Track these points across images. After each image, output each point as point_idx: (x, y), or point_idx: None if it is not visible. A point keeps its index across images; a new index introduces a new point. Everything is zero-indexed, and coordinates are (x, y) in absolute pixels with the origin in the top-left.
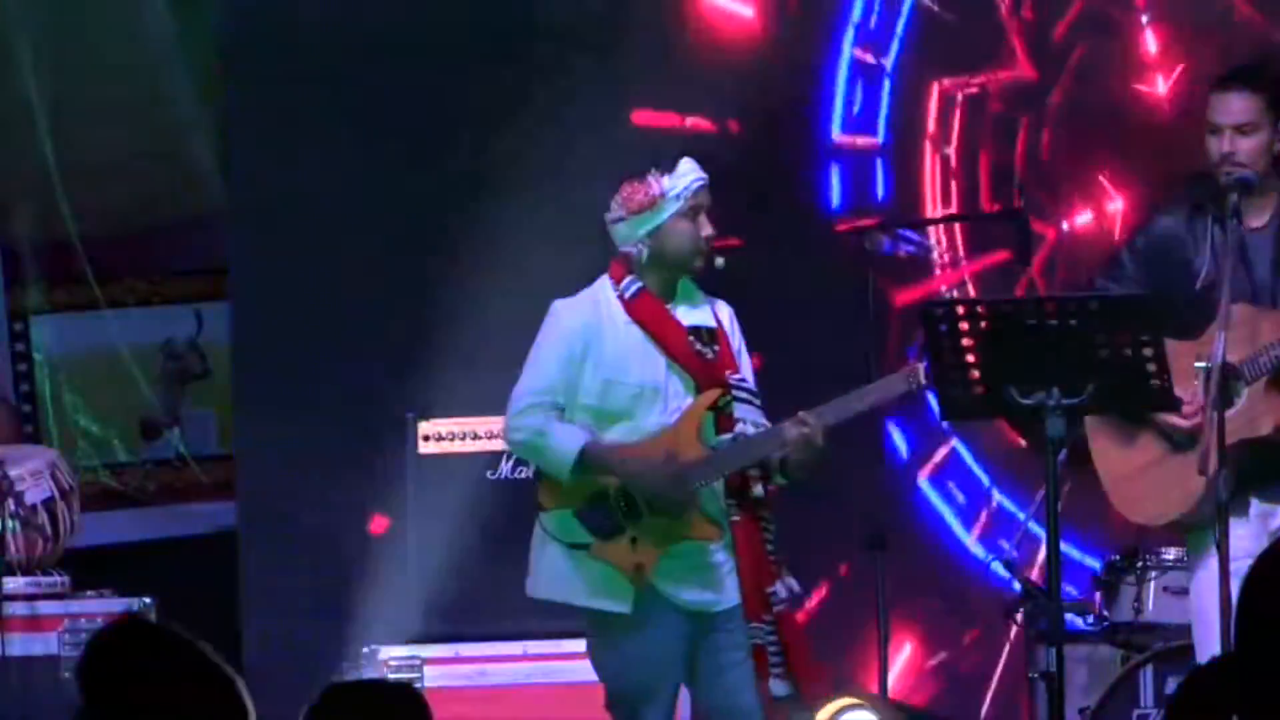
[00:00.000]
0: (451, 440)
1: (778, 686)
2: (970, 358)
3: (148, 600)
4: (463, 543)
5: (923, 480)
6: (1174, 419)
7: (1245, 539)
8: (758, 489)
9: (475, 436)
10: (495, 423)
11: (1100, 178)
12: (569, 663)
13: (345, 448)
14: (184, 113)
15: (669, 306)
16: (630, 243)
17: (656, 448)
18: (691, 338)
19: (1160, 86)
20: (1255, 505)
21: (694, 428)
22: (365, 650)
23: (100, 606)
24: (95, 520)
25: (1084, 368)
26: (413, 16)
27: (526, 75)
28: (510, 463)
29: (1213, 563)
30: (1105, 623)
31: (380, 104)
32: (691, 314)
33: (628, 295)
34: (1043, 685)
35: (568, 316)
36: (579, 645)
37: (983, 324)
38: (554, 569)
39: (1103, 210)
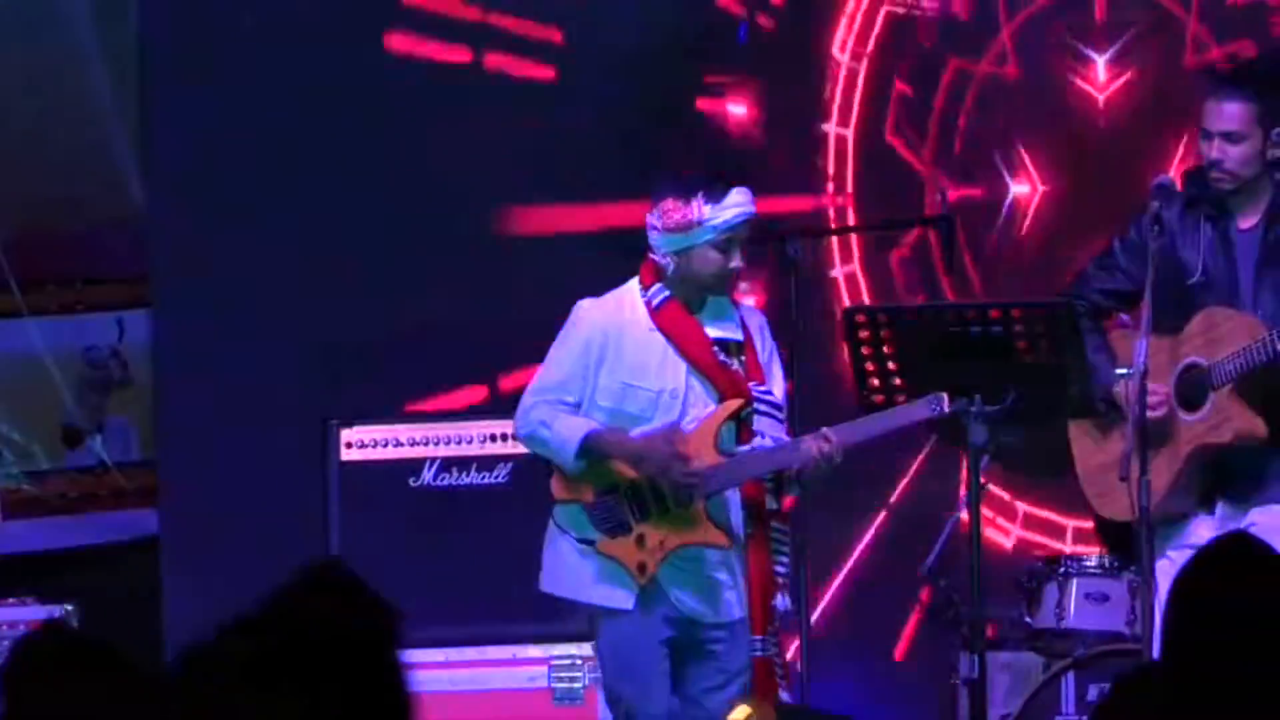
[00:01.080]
0: (374, 447)
1: (786, 696)
2: (892, 365)
3: (69, 607)
4: (385, 549)
5: None
6: (1152, 415)
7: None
8: (770, 501)
9: (397, 444)
10: (416, 430)
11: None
12: (490, 670)
13: (267, 455)
14: (105, 118)
15: (696, 317)
16: (661, 253)
17: (672, 446)
18: (716, 348)
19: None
20: (1221, 508)
21: (711, 435)
22: None
23: (21, 614)
24: (17, 528)
25: (1005, 375)
26: (337, 14)
27: (457, 74)
28: (432, 470)
29: (1177, 556)
30: (1028, 629)
31: (305, 107)
32: (718, 326)
33: (654, 303)
34: (965, 691)
35: (588, 317)
36: (502, 652)
37: (903, 329)
38: (562, 563)
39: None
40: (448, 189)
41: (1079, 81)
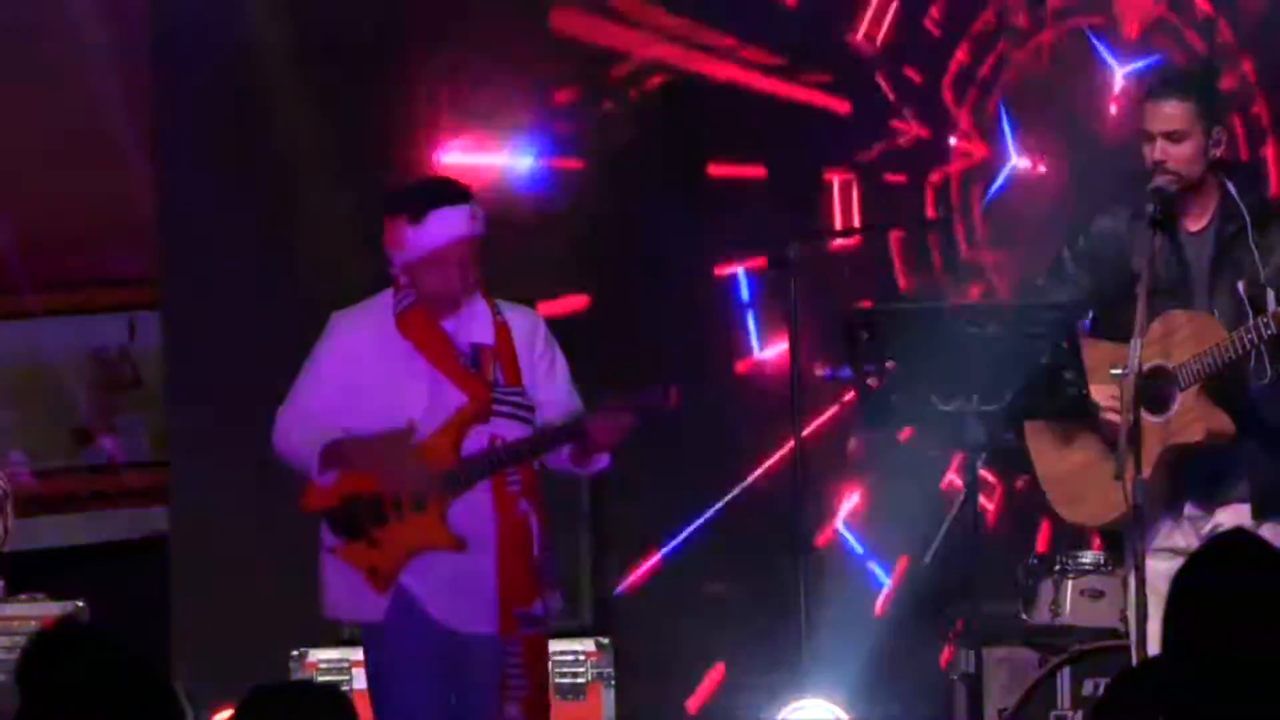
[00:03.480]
0: None
1: (511, 711)
2: (891, 364)
3: (80, 603)
4: None
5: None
6: (1109, 417)
7: (1180, 542)
8: (522, 505)
9: None
10: None
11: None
12: None
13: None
14: (117, 124)
15: (444, 322)
16: (393, 269)
17: (407, 450)
18: (460, 353)
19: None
20: (1189, 508)
21: (449, 439)
22: (294, 653)
23: (34, 610)
24: (28, 526)
25: (1002, 375)
26: (341, 30)
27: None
28: None
29: (1150, 561)
30: (1024, 625)
31: (310, 115)
32: (469, 330)
33: (400, 309)
34: (964, 686)
35: (336, 328)
36: None
37: (903, 331)
38: (322, 582)
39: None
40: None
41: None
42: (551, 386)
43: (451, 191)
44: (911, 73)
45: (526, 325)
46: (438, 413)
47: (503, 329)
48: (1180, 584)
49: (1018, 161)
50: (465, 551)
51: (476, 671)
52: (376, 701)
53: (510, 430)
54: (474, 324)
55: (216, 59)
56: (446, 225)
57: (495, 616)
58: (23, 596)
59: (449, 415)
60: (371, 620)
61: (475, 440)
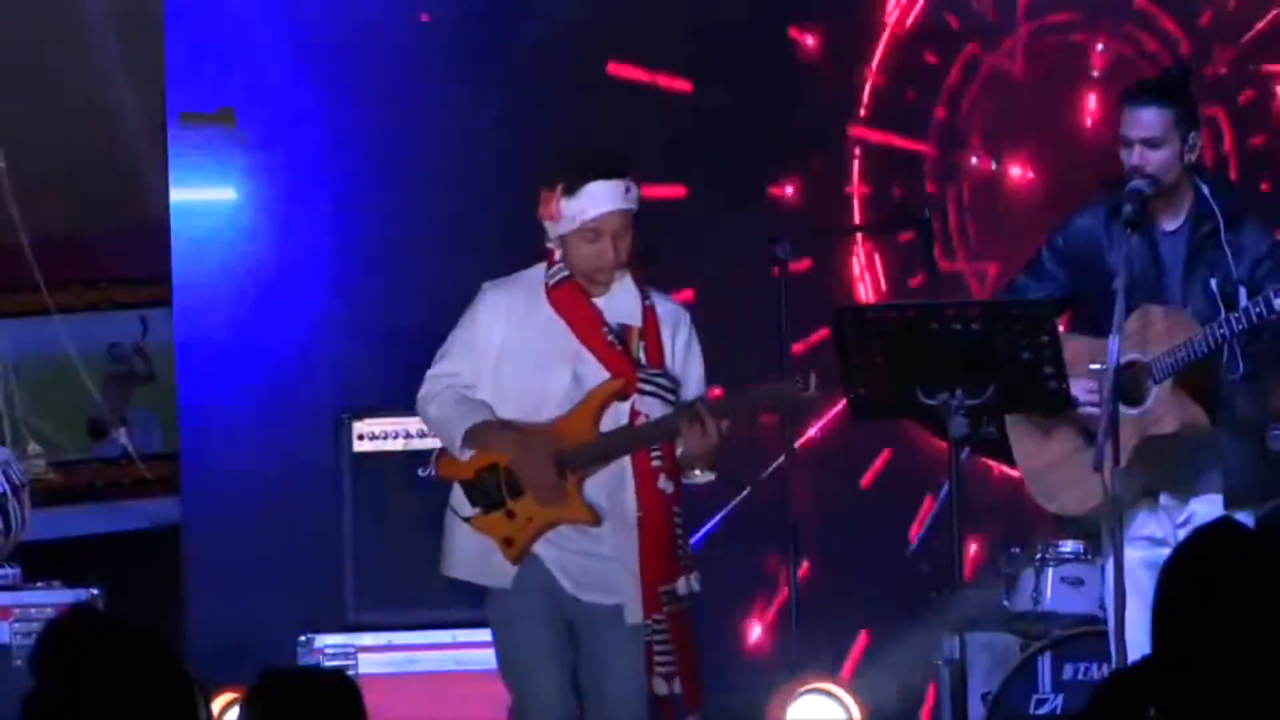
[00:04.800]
0: (384, 439)
1: (660, 686)
2: (878, 360)
3: (95, 591)
4: (395, 537)
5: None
6: (1088, 411)
7: (1155, 531)
8: (663, 482)
9: (407, 435)
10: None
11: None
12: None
13: (283, 446)
14: (130, 125)
15: (594, 299)
16: (548, 239)
17: (546, 430)
18: (607, 329)
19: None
20: (1164, 499)
21: (588, 415)
22: (302, 639)
23: (50, 597)
24: (45, 516)
25: (985, 370)
26: (350, 34)
27: (463, 86)
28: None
29: (1126, 550)
30: (1006, 612)
31: (319, 114)
32: (617, 311)
33: (551, 282)
34: (947, 671)
35: (488, 299)
36: None
37: (889, 327)
38: (452, 545)
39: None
40: (460, 187)
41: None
42: (687, 379)
43: (607, 164)
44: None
45: (672, 312)
46: (580, 387)
47: (649, 312)
48: (1167, 577)
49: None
50: (600, 526)
51: (600, 643)
52: (506, 663)
53: (653, 409)
54: (623, 304)
55: (228, 60)
56: (601, 198)
57: (636, 592)
58: (39, 584)
59: (591, 390)
60: (500, 585)
61: (616, 417)
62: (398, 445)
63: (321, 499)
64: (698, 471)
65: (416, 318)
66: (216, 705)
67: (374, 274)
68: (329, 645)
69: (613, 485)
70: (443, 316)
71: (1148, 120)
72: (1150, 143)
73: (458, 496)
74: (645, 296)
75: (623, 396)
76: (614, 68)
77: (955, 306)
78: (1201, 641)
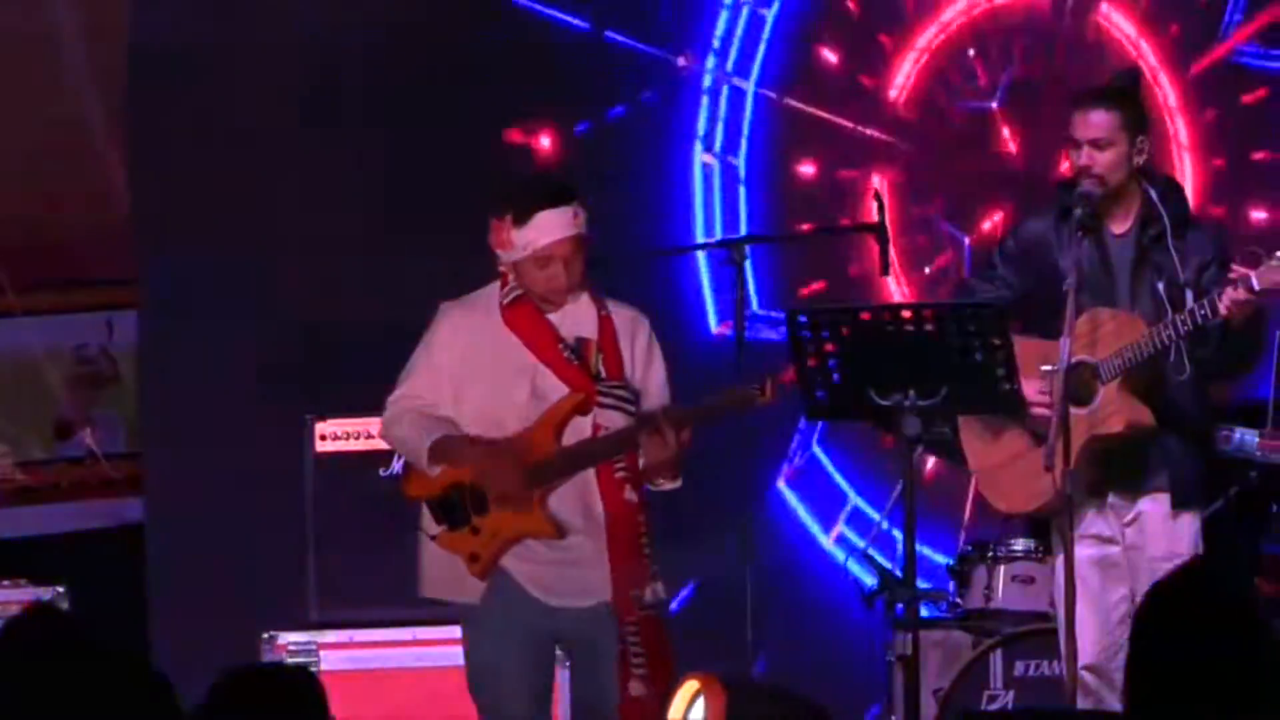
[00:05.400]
0: (346, 440)
1: (636, 687)
2: (832, 361)
3: (59, 589)
4: (356, 536)
5: (781, 484)
6: (1038, 411)
7: (1104, 530)
8: (629, 493)
9: (368, 436)
10: None
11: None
12: (457, 647)
13: (246, 447)
14: (96, 134)
15: (549, 315)
16: (502, 264)
17: (510, 444)
18: (562, 345)
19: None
20: (1112, 497)
21: (549, 430)
22: (264, 636)
23: (13, 595)
24: (10, 515)
25: (938, 371)
26: (313, 40)
27: (425, 90)
28: (400, 461)
29: (1075, 548)
30: (958, 609)
31: (282, 118)
32: (573, 325)
33: (506, 301)
34: (900, 667)
35: (446, 319)
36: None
37: (843, 330)
38: (423, 563)
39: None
40: (423, 191)
41: None
42: (648, 385)
43: (555, 192)
44: (865, 79)
45: (629, 320)
46: (540, 403)
47: (606, 322)
48: (1141, 627)
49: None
50: (565, 539)
51: (588, 643)
52: (473, 678)
53: (614, 421)
54: (578, 317)
55: (192, 63)
56: (550, 226)
57: (608, 591)
58: (4, 583)
59: (550, 406)
60: (469, 601)
61: (577, 431)
62: (359, 446)
63: (284, 499)
64: (662, 480)
65: (378, 320)
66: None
67: (337, 276)
68: (291, 642)
69: (581, 497)
70: (405, 318)
71: (1095, 122)
72: (1097, 144)
73: (426, 516)
74: (601, 307)
75: (583, 411)
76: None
77: (909, 308)
78: (1170, 701)
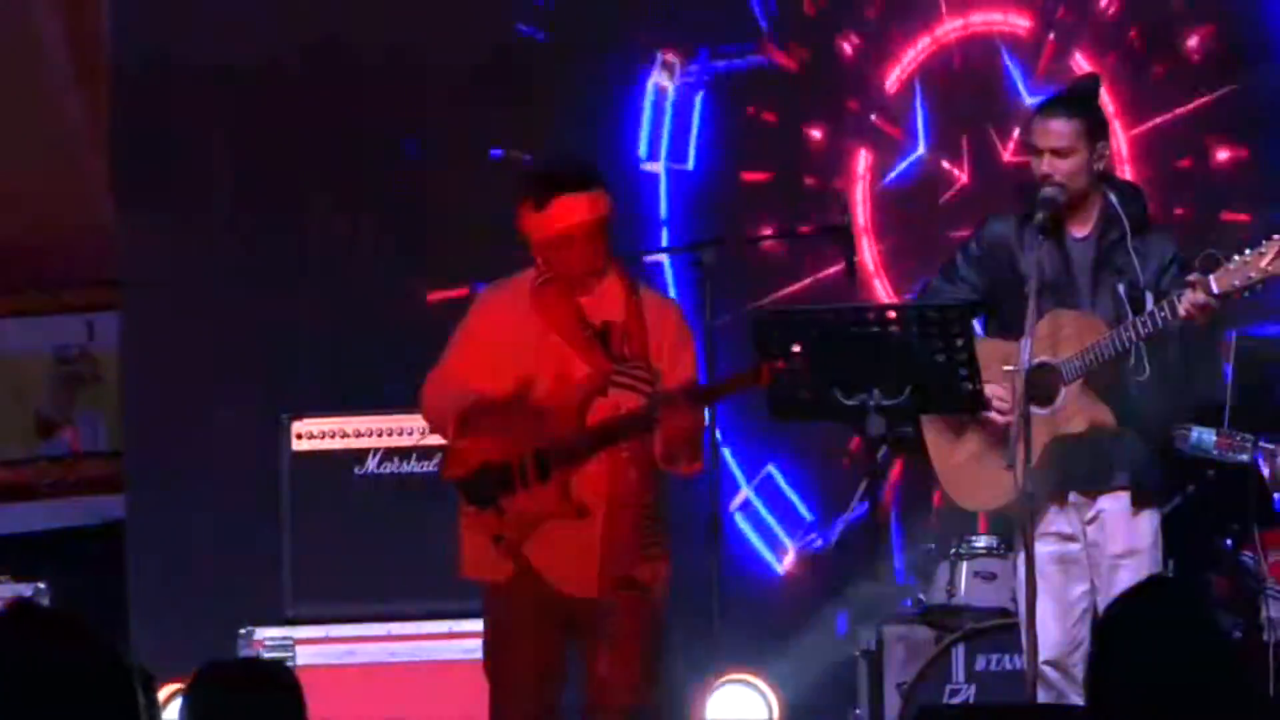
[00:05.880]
0: (322, 438)
1: (602, 667)
2: (799, 362)
3: (41, 585)
4: (332, 533)
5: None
6: (993, 416)
7: (1065, 527)
8: (632, 471)
9: (344, 435)
10: (361, 421)
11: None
12: (430, 642)
13: (224, 446)
14: (77, 132)
15: (581, 298)
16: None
17: (533, 424)
18: (585, 326)
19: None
20: (1073, 496)
21: (570, 410)
22: (242, 632)
23: None
24: None
25: (901, 372)
26: (297, 44)
27: (405, 102)
28: (376, 459)
29: (1036, 545)
30: (921, 605)
31: (263, 125)
32: (600, 307)
33: (538, 283)
34: (864, 661)
35: (482, 301)
36: (440, 626)
37: (809, 331)
38: (461, 544)
39: None
40: (397, 194)
41: None
42: (678, 369)
43: (574, 177)
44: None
45: (658, 305)
46: (563, 385)
47: (634, 306)
48: (1103, 638)
49: (924, 152)
50: (586, 519)
51: (594, 633)
52: (491, 658)
53: (633, 403)
54: (607, 300)
55: (173, 67)
56: (568, 210)
57: (595, 580)
58: None
59: (572, 388)
60: (495, 579)
61: (599, 413)
62: (335, 444)
63: (261, 496)
64: (683, 462)
65: (355, 319)
66: (160, 696)
67: (315, 277)
68: (268, 638)
69: (589, 478)
70: (381, 318)
71: (1056, 130)
72: (1059, 152)
73: (462, 500)
74: (634, 291)
75: (602, 392)
76: None
77: (873, 310)
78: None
